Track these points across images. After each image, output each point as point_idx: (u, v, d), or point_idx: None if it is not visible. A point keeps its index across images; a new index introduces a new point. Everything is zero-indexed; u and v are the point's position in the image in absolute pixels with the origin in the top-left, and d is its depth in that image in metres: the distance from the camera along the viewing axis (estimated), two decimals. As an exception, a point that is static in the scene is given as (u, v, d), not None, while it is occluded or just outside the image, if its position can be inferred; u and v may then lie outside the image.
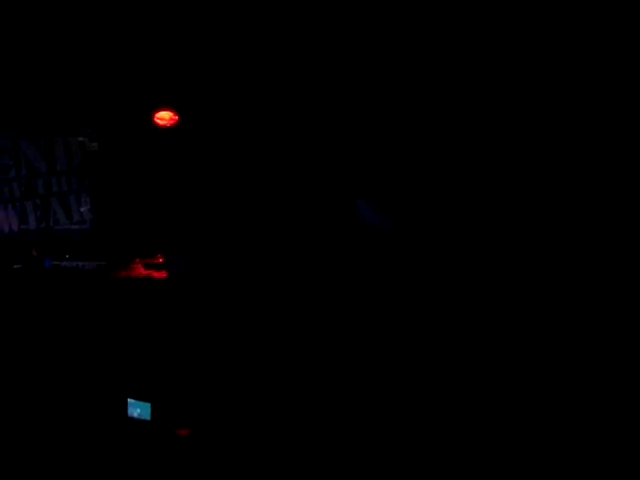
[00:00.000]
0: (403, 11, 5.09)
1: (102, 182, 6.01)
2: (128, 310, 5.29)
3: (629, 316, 4.31)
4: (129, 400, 4.75)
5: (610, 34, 4.52)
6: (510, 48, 4.82)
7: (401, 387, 4.56)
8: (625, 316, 4.32)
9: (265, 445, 4.54)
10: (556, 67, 4.71)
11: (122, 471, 4.48)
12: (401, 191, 5.04)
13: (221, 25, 5.55)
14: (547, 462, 4.05)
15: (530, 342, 4.47)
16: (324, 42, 5.33)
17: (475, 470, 4.13)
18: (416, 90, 5.13)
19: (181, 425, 4.76)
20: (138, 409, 4.73)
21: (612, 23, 4.52)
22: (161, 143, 5.87)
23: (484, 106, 4.91)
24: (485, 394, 4.40)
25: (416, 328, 4.70)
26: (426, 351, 4.63)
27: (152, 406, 4.70)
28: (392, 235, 4.88)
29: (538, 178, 4.73)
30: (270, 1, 5.36)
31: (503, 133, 4.85)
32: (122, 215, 5.92)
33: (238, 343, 5.10)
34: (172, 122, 5.88)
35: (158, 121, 5.87)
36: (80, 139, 5.99)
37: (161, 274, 5.69)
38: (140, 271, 5.74)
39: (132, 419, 4.73)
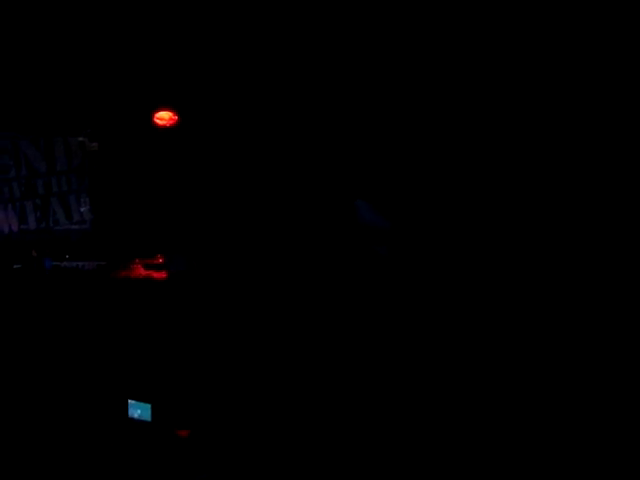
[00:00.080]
0: (402, 11, 5.08)
1: (102, 182, 6.01)
2: (128, 310, 5.29)
3: (629, 316, 4.32)
4: (130, 401, 4.75)
5: (610, 34, 4.52)
6: (510, 48, 4.82)
7: (400, 388, 4.57)
8: (625, 316, 4.33)
9: (265, 445, 4.54)
10: (556, 67, 4.70)
11: (123, 472, 4.49)
12: (401, 191, 5.04)
13: (221, 25, 5.54)
14: (547, 462, 4.06)
15: (530, 343, 4.47)
16: (324, 42, 5.33)
17: (475, 470, 4.14)
18: (416, 90, 5.13)
19: (181, 426, 4.77)
20: (139, 410, 4.74)
21: (612, 23, 4.52)
22: (161, 143, 5.86)
23: (484, 107, 4.91)
24: (485, 395, 4.40)
25: (415, 328, 4.70)
26: (425, 352, 4.63)
27: (152, 407, 4.71)
28: (391, 236, 4.88)
29: (538, 178, 4.73)
30: (270, 1, 5.36)
31: (503, 134, 4.85)
32: (122, 215, 5.92)
33: (238, 344, 5.10)
34: (172, 122, 5.87)
35: (158, 121, 5.87)
36: (80, 139, 5.98)
37: (161, 274, 5.69)
38: (140, 271, 5.74)
39: (133, 420, 4.74)
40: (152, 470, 4.50)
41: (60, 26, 5.62)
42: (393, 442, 4.37)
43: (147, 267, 5.76)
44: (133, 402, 4.74)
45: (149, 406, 4.71)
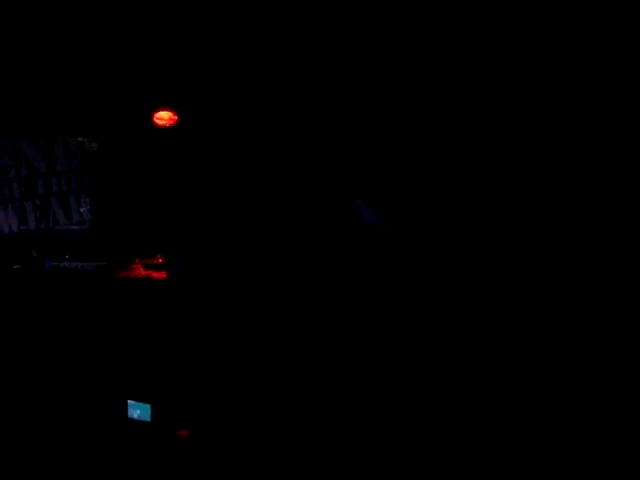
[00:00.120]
0: (402, 12, 5.07)
1: (101, 182, 6.01)
2: (128, 311, 5.29)
3: (629, 316, 4.31)
4: (129, 401, 4.75)
5: (610, 34, 4.52)
6: (509, 48, 4.82)
7: (399, 389, 4.56)
8: (625, 316, 4.32)
9: (265, 446, 4.54)
10: (556, 67, 4.70)
11: (122, 472, 4.49)
12: (401, 192, 5.04)
13: (220, 25, 5.54)
14: (547, 462, 4.06)
15: (530, 343, 4.47)
16: (323, 43, 5.32)
17: (475, 470, 4.14)
18: (417, 92, 5.12)
19: (181, 426, 4.76)
20: (138, 410, 4.73)
21: (612, 23, 4.52)
22: (160, 143, 5.86)
23: (484, 107, 4.91)
24: (484, 395, 4.40)
25: (415, 328, 4.70)
26: (425, 351, 4.63)
27: (152, 407, 4.71)
28: (391, 236, 4.88)
29: (539, 179, 4.73)
30: (269, 1, 5.36)
31: (503, 135, 4.85)
32: (121, 215, 5.92)
33: (238, 344, 5.10)
34: (171, 122, 5.87)
35: (157, 121, 5.87)
36: (80, 139, 5.99)
37: (160, 274, 5.69)
38: (140, 271, 5.74)
39: (132, 420, 4.74)
40: (152, 470, 4.49)
41: (60, 26, 5.62)
42: (393, 442, 4.36)
43: (147, 267, 5.76)
44: (133, 402, 4.74)
45: (149, 406, 4.70)
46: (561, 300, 4.49)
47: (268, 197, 5.61)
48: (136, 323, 5.23)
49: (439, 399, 4.46)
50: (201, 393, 4.94)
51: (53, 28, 5.63)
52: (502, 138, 4.85)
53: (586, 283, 4.47)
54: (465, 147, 4.96)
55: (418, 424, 4.39)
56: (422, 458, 4.25)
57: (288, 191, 5.56)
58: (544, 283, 4.56)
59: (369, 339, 4.77)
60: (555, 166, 4.71)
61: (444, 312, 4.68)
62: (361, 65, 5.28)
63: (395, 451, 4.32)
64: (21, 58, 5.69)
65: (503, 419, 4.29)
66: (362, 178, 5.25)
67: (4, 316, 5.26)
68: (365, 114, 5.30)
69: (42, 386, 5.01)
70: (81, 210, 6.01)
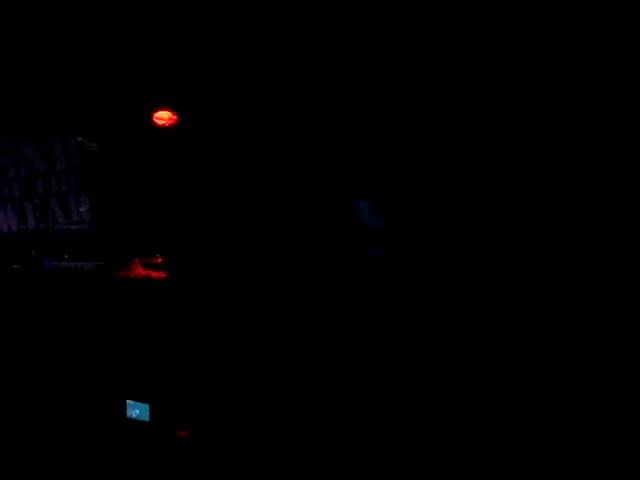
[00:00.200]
0: (401, 11, 5.07)
1: (101, 182, 6.01)
2: (127, 310, 5.29)
3: (629, 316, 4.30)
4: (128, 401, 4.74)
5: (610, 34, 4.51)
6: (509, 48, 4.81)
7: (399, 390, 4.56)
8: (625, 316, 4.31)
9: (265, 446, 4.53)
10: (556, 67, 4.69)
11: (121, 472, 4.48)
12: (401, 193, 5.02)
13: (220, 25, 5.54)
14: (547, 462, 4.05)
15: (530, 345, 4.46)
16: (323, 42, 5.32)
17: (475, 470, 4.13)
18: (417, 91, 5.12)
19: (180, 426, 4.76)
20: (137, 410, 4.73)
21: (612, 23, 4.51)
22: (160, 143, 5.86)
23: (484, 107, 4.90)
24: (483, 397, 4.39)
25: (414, 330, 4.69)
26: (424, 353, 4.62)
27: (151, 407, 4.70)
28: (390, 237, 4.87)
29: (540, 179, 4.72)
30: (269, 1, 5.35)
31: (504, 135, 4.84)
32: (121, 215, 5.92)
33: (237, 344, 5.09)
34: (171, 122, 5.87)
35: (157, 121, 5.87)
36: (79, 139, 5.99)
37: (160, 274, 5.69)
38: (139, 271, 5.74)
39: (131, 420, 4.73)
40: (151, 470, 4.49)
41: (59, 26, 5.63)
42: (392, 442, 4.36)
43: (146, 267, 5.76)
44: (131, 402, 4.73)
45: (147, 406, 4.69)
46: (561, 301, 4.47)
47: (268, 197, 5.60)
48: (135, 323, 5.23)
49: (438, 400, 4.45)
50: (200, 393, 4.93)
51: (52, 28, 5.63)
52: (503, 139, 4.84)
53: (586, 283, 4.46)
54: (466, 148, 4.95)
55: (416, 424, 4.39)
56: (420, 458, 4.24)
57: (288, 192, 5.55)
58: (545, 284, 4.54)
59: (369, 340, 4.76)
60: (555, 167, 4.69)
61: (444, 313, 4.67)
62: (362, 65, 5.27)
63: (394, 451, 4.31)
64: (20, 58, 5.69)
65: (502, 419, 4.29)
66: (362, 179, 5.24)
67: (3, 316, 5.26)
68: (365, 114, 5.29)
69: (41, 386, 5.01)
70: (80, 210, 6.02)
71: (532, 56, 4.76)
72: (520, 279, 4.60)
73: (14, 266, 5.69)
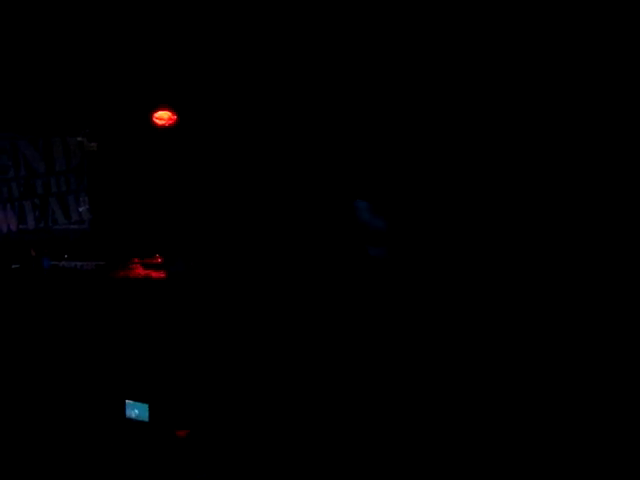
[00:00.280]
0: (399, 11, 5.07)
1: (101, 182, 6.01)
2: (126, 310, 5.28)
3: (629, 316, 4.30)
4: (127, 401, 4.74)
5: (610, 34, 4.51)
6: (508, 47, 4.81)
7: (398, 390, 4.56)
8: (625, 316, 4.31)
9: (264, 446, 4.53)
10: (556, 67, 4.69)
11: (120, 472, 4.48)
12: (401, 193, 5.02)
13: (220, 25, 5.54)
14: (547, 462, 4.05)
15: (529, 345, 4.46)
16: (322, 42, 5.32)
17: (475, 470, 4.13)
18: (417, 91, 5.12)
19: (179, 426, 4.75)
20: (136, 410, 4.72)
21: (612, 23, 4.51)
22: (160, 143, 5.86)
23: (483, 108, 4.90)
24: (482, 397, 4.39)
25: (413, 330, 4.69)
26: (423, 353, 4.62)
27: (150, 407, 4.70)
28: (390, 237, 4.87)
29: (539, 179, 4.72)
30: (268, 1, 5.35)
31: (503, 135, 4.84)
32: (120, 215, 5.92)
33: (236, 343, 5.09)
34: (171, 122, 5.87)
35: (157, 121, 5.87)
36: (79, 139, 5.99)
37: (159, 274, 5.68)
38: (138, 271, 5.74)
39: (130, 420, 4.73)
40: (150, 470, 4.48)
41: (59, 26, 5.63)
42: (391, 443, 4.36)
43: (146, 267, 5.76)
44: (130, 402, 4.73)
45: (146, 406, 4.69)
46: (560, 301, 4.47)
47: (267, 197, 5.60)
48: (134, 323, 5.23)
49: (437, 398, 4.45)
50: (199, 393, 4.93)
51: (52, 28, 5.63)
52: (502, 139, 4.83)
53: (585, 283, 4.46)
54: (465, 149, 4.95)
55: (415, 422, 4.39)
56: (418, 458, 4.24)
57: (288, 192, 5.55)
58: (544, 283, 4.54)
59: (368, 340, 4.76)
60: (554, 167, 4.69)
61: (443, 313, 4.66)
62: (361, 66, 5.27)
63: (393, 451, 4.31)
64: (20, 58, 5.69)
65: (501, 419, 4.29)
66: (361, 179, 5.24)
67: (2, 316, 5.25)
68: (365, 115, 5.29)
69: (40, 386, 5.01)
70: (80, 210, 6.02)
71: (531, 56, 4.76)
72: (519, 278, 4.60)
73: (13, 266, 5.69)
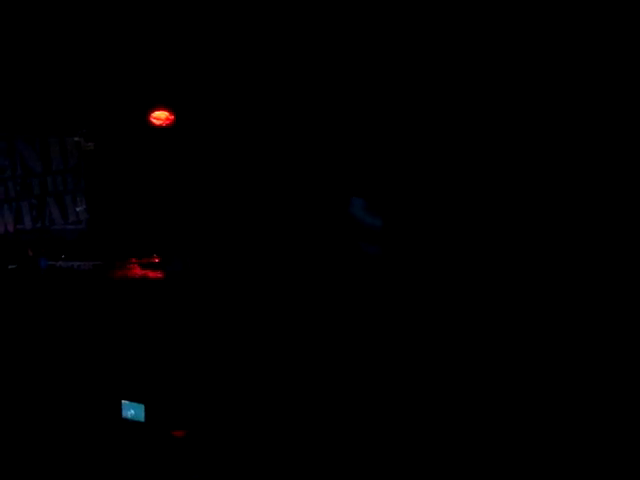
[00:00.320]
0: (396, 9, 5.07)
1: (98, 182, 6.00)
2: (123, 310, 5.28)
3: (629, 316, 4.29)
4: (123, 401, 4.74)
5: (610, 34, 4.50)
6: (507, 46, 4.80)
7: (396, 389, 4.55)
8: (625, 316, 4.30)
9: (261, 447, 4.53)
10: (556, 67, 4.68)
11: (116, 472, 4.48)
12: (396, 190, 5.01)
13: (217, 25, 5.54)
14: (547, 462, 4.04)
15: (527, 344, 4.45)
16: (318, 40, 5.31)
17: (475, 470, 4.12)
18: (413, 88, 5.11)
19: (176, 426, 4.76)
20: (132, 410, 4.73)
21: (612, 23, 4.50)
22: (157, 143, 5.85)
23: (478, 106, 4.89)
24: (480, 397, 4.38)
25: (409, 328, 4.69)
26: (420, 352, 4.62)
27: (146, 407, 4.70)
28: (385, 235, 4.86)
29: (535, 178, 4.71)
30: (264, 1, 5.35)
31: (498, 132, 4.83)
32: (118, 215, 5.91)
33: (233, 343, 5.09)
34: (168, 122, 5.87)
35: (154, 121, 5.86)
36: (76, 139, 5.98)
37: (157, 274, 5.68)
38: (136, 271, 5.73)
39: (126, 420, 4.73)
40: (146, 471, 4.49)
41: (56, 26, 5.62)
42: (389, 443, 4.35)
43: (143, 267, 5.75)
44: (127, 402, 4.73)
45: (143, 406, 4.69)
46: (556, 299, 4.46)
47: (264, 197, 5.60)
48: (131, 323, 5.22)
49: (433, 395, 4.44)
50: (196, 393, 4.93)
51: (49, 28, 5.63)
52: (497, 137, 4.82)
53: (584, 282, 4.45)
54: (461, 146, 4.94)
55: (409, 421, 4.38)
56: (415, 458, 4.23)
57: (285, 191, 5.54)
58: (539, 281, 4.53)
59: (364, 338, 4.76)
60: (552, 165, 4.68)
61: (438, 311, 4.66)
62: (356, 63, 5.26)
63: (393, 451, 4.31)
64: (17, 58, 5.68)
65: (500, 419, 4.28)
66: (357, 177, 5.23)
67: (-1, 316, 5.26)
68: (360, 113, 5.28)
69: (36, 386, 5.01)
70: (77, 210, 6.01)
71: (531, 57, 4.75)
72: (516, 276, 4.59)
73: (10, 266, 5.68)
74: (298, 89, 5.45)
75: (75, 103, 5.84)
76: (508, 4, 4.78)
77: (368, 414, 4.52)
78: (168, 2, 5.56)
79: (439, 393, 4.45)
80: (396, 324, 4.68)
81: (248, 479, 4.41)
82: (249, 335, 5.07)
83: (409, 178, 4.98)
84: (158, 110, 5.86)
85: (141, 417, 4.69)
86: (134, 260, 5.81)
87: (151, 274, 5.68)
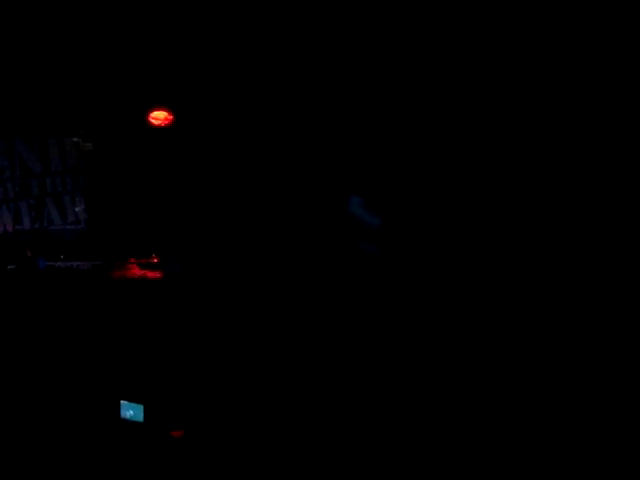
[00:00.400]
0: (395, 9, 5.06)
1: (97, 182, 6.00)
2: (122, 311, 5.28)
3: (629, 316, 4.28)
4: (122, 402, 4.74)
5: (610, 34, 4.50)
6: (507, 46, 4.80)
7: (394, 389, 4.54)
8: (625, 316, 4.29)
9: (260, 447, 4.53)
10: (556, 67, 4.68)
11: (115, 473, 4.48)
12: (395, 189, 5.01)
13: (216, 25, 5.54)
14: (547, 462, 4.03)
15: (527, 344, 4.44)
16: (316, 40, 5.31)
17: (475, 470, 4.11)
18: (412, 87, 5.11)
19: (174, 427, 4.75)
20: (131, 411, 4.73)
21: (612, 23, 4.50)
22: (156, 143, 5.85)
23: (477, 104, 4.88)
24: (480, 396, 4.38)
25: (408, 328, 4.68)
26: (418, 351, 4.61)
27: (145, 408, 4.70)
28: (384, 234, 4.85)
29: (536, 176, 4.70)
30: (263, 1, 5.35)
31: (500, 130, 4.82)
32: (117, 215, 5.91)
33: (232, 344, 5.08)
34: (167, 122, 5.87)
35: (153, 121, 5.86)
36: (75, 139, 5.98)
37: (156, 274, 5.68)
38: (135, 271, 5.73)
39: (125, 421, 4.72)
40: (145, 471, 4.48)
41: (55, 26, 5.62)
42: (388, 443, 4.34)
43: (142, 267, 5.75)
44: (125, 403, 4.73)
45: (141, 407, 4.69)
46: (555, 299, 4.45)
47: (263, 197, 5.59)
48: (130, 323, 5.22)
49: (430, 396, 4.43)
50: (195, 394, 4.92)
51: (48, 28, 5.63)
52: (496, 135, 4.82)
53: (584, 282, 4.44)
54: (460, 145, 4.93)
55: (408, 421, 4.38)
56: (414, 458, 4.23)
57: (283, 191, 5.54)
58: (538, 281, 4.52)
59: (362, 338, 4.75)
60: (552, 165, 4.68)
61: (436, 310, 4.65)
62: (355, 62, 5.25)
63: (392, 452, 4.30)
64: (15, 58, 5.68)
65: (499, 419, 4.27)
66: (356, 175, 5.22)
67: (-2, 316, 5.26)
68: (358, 112, 5.28)
69: (35, 386, 5.00)
70: (76, 210, 6.01)
71: (531, 57, 4.74)
72: (514, 275, 4.58)
73: (9, 266, 5.68)
74: (297, 89, 5.45)
75: (74, 103, 5.84)
76: (508, 4, 4.78)
77: (367, 414, 4.52)
78: (167, 2, 5.55)
79: (438, 392, 4.44)
80: (395, 322, 4.67)
81: (247, 479, 4.39)
82: (248, 335, 5.07)
83: (408, 177, 4.97)
84: (157, 110, 5.85)
85: (140, 417, 4.69)
86: (133, 260, 5.81)
87: (150, 274, 5.68)
